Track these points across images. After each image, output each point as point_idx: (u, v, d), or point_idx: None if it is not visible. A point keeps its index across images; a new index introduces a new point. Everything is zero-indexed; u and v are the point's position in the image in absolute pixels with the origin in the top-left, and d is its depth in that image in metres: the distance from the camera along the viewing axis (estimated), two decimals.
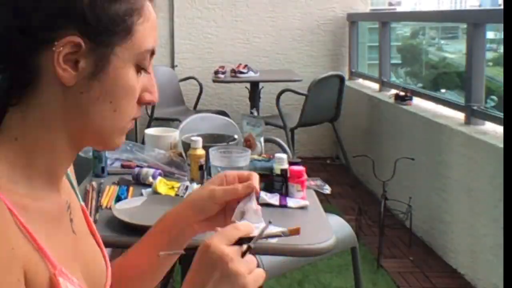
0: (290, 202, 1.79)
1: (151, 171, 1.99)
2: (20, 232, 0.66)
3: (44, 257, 0.68)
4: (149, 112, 4.86)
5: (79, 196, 0.90)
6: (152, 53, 0.77)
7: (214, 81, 4.93)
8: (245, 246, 0.76)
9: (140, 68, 0.75)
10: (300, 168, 1.87)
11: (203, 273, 0.74)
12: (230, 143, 2.18)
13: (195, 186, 1.88)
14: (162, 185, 1.88)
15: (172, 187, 1.87)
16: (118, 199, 1.82)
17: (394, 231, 3.43)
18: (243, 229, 0.76)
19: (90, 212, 1.71)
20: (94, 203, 1.80)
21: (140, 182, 1.98)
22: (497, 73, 3.69)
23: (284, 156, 1.96)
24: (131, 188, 1.92)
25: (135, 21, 0.73)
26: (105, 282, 0.86)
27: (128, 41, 0.72)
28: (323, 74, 4.52)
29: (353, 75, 5.39)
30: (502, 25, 2.78)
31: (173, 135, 2.28)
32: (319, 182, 2.04)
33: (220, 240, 0.74)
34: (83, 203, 0.91)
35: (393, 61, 5.00)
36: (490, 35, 3.52)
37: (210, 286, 0.73)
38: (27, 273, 0.66)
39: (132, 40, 0.73)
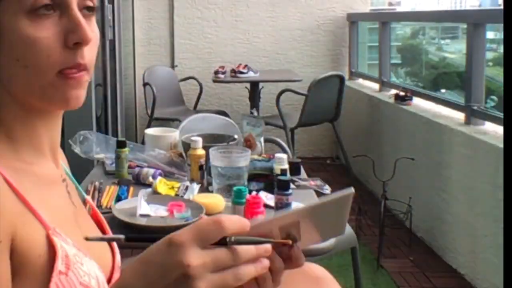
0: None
1: (151, 171, 1.99)
2: (10, 192, 0.66)
3: (37, 218, 0.68)
4: (149, 112, 4.86)
5: (81, 189, 0.90)
6: None
7: (214, 81, 4.93)
8: (224, 257, 0.61)
9: (38, 14, 0.68)
10: (257, 200, 1.62)
11: (157, 271, 0.62)
12: (230, 143, 2.18)
13: (195, 186, 1.88)
14: (162, 185, 1.88)
15: (172, 187, 1.87)
16: (118, 199, 1.82)
17: (394, 231, 3.43)
18: (230, 227, 0.62)
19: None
20: (94, 203, 1.80)
21: (140, 182, 1.98)
22: (497, 73, 3.69)
23: (284, 156, 1.97)
24: (131, 188, 1.92)
25: None
26: (111, 269, 0.84)
27: None
28: (323, 74, 4.52)
29: (353, 75, 5.39)
30: (502, 25, 2.78)
31: (173, 135, 2.28)
32: (319, 182, 2.04)
33: (190, 239, 0.61)
34: (87, 197, 0.91)
35: (393, 61, 5.00)
36: (490, 35, 3.52)
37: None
38: (19, 233, 0.66)
39: None
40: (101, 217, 0.90)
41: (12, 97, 0.72)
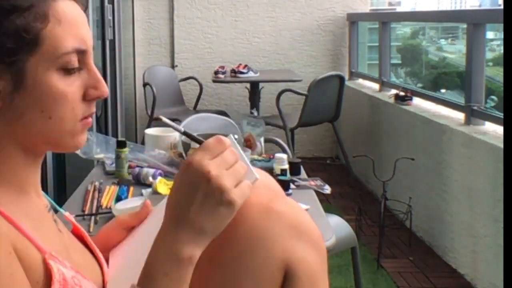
0: None
1: (151, 171, 2.00)
2: (3, 220, 0.68)
3: (32, 243, 0.70)
4: (149, 112, 4.86)
5: (59, 208, 0.92)
6: (80, 51, 0.75)
7: (214, 81, 4.93)
8: (229, 156, 0.75)
9: (68, 70, 0.74)
10: None
11: (186, 193, 0.74)
12: None
13: None
14: (162, 185, 1.88)
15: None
16: (118, 199, 1.82)
17: (394, 231, 3.43)
18: (227, 142, 0.76)
19: (91, 212, 1.71)
20: (94, 203, 1.80)
21: (140, 182, 1.98)
22: (497, 73, 3.69)
23: (284, 156, 1.97)
24: (131, 188, 1.93)
25: (41, 28, 0.71)
26: (101, 283, 0.86)
27: (40, 50, 0.71)
28: (323, 74, 4.52)
29: (353, 75, 5.39)
30: (502, 25, 2.78)
31: (173, 135, 2.28)
32: (319, 182, 2.04)
33: (202, 155, 0.74)
34: (66, 213, 0.94)
35: (393, 61, 5.00)
36: (490, 35, 3.52)
37: (196, 207, 0.73)
38: (18, 252, 0.67)
39: (44, 48, 0.72)
40: (82, 230, 0.92)
41: (16, 143, 0.74)
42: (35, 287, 0.68)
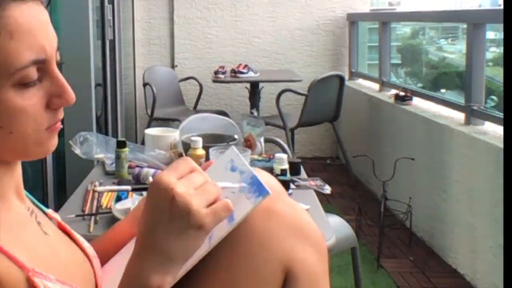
0: None
1: (151, 171, 1.99)
2: None
3: (13, 261, 0.68)
4: (149, 112, 4.86)
5: (41, 206, 0.90)
6: (39, 61, 0.69)
7: (214, 81, 4.93)
8: (197, 176, 0.70)
9: (26, 84, 0.68)
10: None
11: (153, 215, 0.70)
12: (230, 143, 2.18)
13: None
14: None
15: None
16: (118, 199, 1.82)
17: (394, 231, 3.43)
18: (194, 163, 0.73)
19: (91, 212, 1.71)
20: (94, 203, 1.80)
21: (140, 182, 1.98)
22: (497, 73, 3.69)
23: (284, 156, 1.96)
24: None
25: None
26: (94, 279, 0.85)
27: None
28: (323, 74, 4.52)
29: (353, 75, 5.39)
30: (502, 25, 2.78)
31: (173, 135, 2.28)
32: (319, 182, 2.04)
33: (168, 174, 0.70)
34: (48, 210, 0.91)
35: (393, 61, 5.00)
36: (490, 35, 3.52)
37: (162, 231, 0.69)
38: (6, 282, 0.66)
39: None
40: (67, 226, 0.90)
41: None
42: None
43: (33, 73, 0.69)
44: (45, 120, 0.72)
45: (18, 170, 0.79)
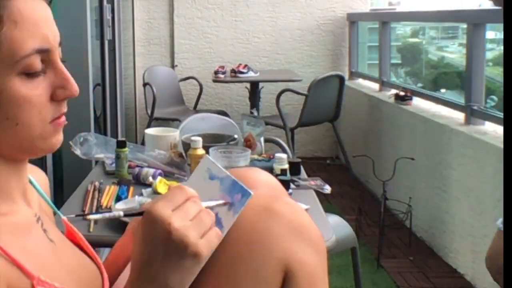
0: None
1: (151, 171, 1.99)
2: None
3: (20, 269, 0.68)
4: (149, 112, 4.86)
5: (52, 204, 0.89)
6: (43, 51, 0.71)
7: (214, 81, 4.93)
8: (192, 207, 0.71)
9: (31, 73, 0.70)
10: None
11: (149, 245, 0.70)
12: (230, 143, 2.18)
13: None
14: (162, 185, 1.88)
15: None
16: (118, 199, 1.82)
17: (394, 231, 3.43)
18: (189, 191, 0.72)
19: (91, 212, 1.71)
20: (94, 202, 1.80)
21: (140, 182, 1.98)
22: (497, 73, 3.69)
23: (284, 156, 1.96)
24: (131, 188, 1.92)
25: None
26: (102, 285, 0.85)
27: None
28: (323, 74, 4.52)
29: (353, 75, 5.39)
30: (502, 25, 2.78)
31: (173, 135, 2.28)
32: (319, 182, 2.04)
33: (163, 205, 0.70)
34: (64, 217, 0.90)
35: (393, 61, 5.00)
36: (490, 35, 3.52)
37: (158, 262, 0.69)
38: (9, 283, 0.65)
39: (1, 53, 0.68)
40: (77, 232, 0.89)
41: None
42: None
43: (37, 63, 0.70)
44: (49, 112, 0.72)
45: (25, 173, 0.79)
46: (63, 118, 0.75)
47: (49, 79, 0.72)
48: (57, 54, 0.74)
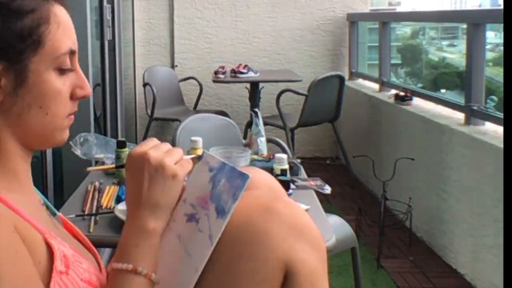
0: None
1: None
2: (3, 205, 0.73)
3: (31, 224, 0.74)
4: (149, 112, 4.86)
5: (50, 204, 0.95)
6: (72, 52, 0.81)
7: (214, 81, 4.93)
8: (163, 145, 0.87)
9: (63, 70, 0.80)
10: None
11: (135, 178, 0.85)
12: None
13: None
14: None
15: None
16: (118, 199, 1.82)
17: (394, 231, 3.43)
18: (157, 140, 0.88)
19: (91, 212, 1.71)
20: (94, 203, 1.80)
21: None
22: (497, 73, 3.69)
23: (284, 156, 1.96)
24: None
25: (43, 31, 0.78)
26: (99, 274, 0.88)
27: (41, 51, 0.78)
28: (323, 74, 4.52)
29: (353, 75, 5.39)
30: (502, 25, 2.78)
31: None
32: (319, 182, 2.04)
33: (139, 146, 0.86)
34: (59, 213, 0.97)
35: (393, 61, 5.00)
36: (490, 35, 3.52)
37: (146, 187, 0.84)
38: (19, 232, 0.71)
39: (45, 49, 0.78)
40: (74, 227, 0.96)
41: (14, 136, 0.80)
42: (37, 266, 0.72)
43: (68, 61, 0.81)
44: (69, 107, 0.83)
45: (30, 163, 0.86)
46: (73, 116, 0.85)
47: (72, 78, 0.82)
48: (77, 57, 0.84)
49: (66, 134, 0.84)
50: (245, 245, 0.83)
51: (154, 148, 0.86)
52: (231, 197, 0.84)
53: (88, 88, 0.84)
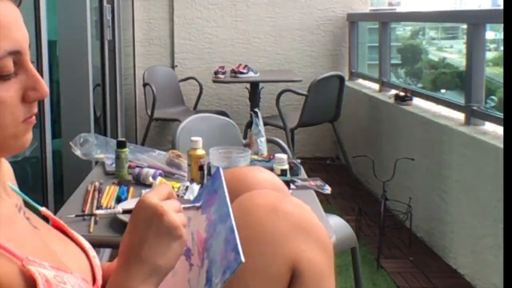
0: None
1: (151, 171, 1.99)
2: None
3: (6, 252, 0.69)
4: (149, 112, 4.86)
5: (31, 201, 0.90)
6: (14, 53, 0.72)
7: (214, 81, 4.93)
8: (175, 202, 0.79)
9: (4, 76, 0.71)
10: None
11: (141, 229, 0.76)
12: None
13: (195, 186, 1.88)
14: None
15: (172, 187, 1.87)
16: (118, 199, 1.82)
17: (394, 231, 3.43)
18: (170, 188, 0.82)
19: (91, 213, 1.71)
20: (94, 203, 1.80)
21: (140, 182, 1.98)
22: (497, 73, 3.69)
23: (284, 156, 1.96)
24: (131, 188, 1.92)
25: None
26: (92, 271, 0.86)
27: None
28: (323, 74, 4.52)
29: (353, 75, 5.39)
30: (502, 25, 2.78)
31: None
32: (319, 182, 2.04)
33: (153, 196, 0.78)
34: (42, 208, 0.92)
35: (393, 61, 5.00)
36: (490, 35, 3.52)
37: (149, 244, 0.75)
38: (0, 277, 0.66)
39: None
40: (61, 222, 0.91)
41: None
42: None
43: (9, 65, 0.71)
44: (21, 113, 0.74)
45: (3, 166, 0.81)
46: (34, 118, 0.77)
47: (21, 81, 0.73)
48: (28, 56, 0.74)
49: (26, 139, 0.76)
50: (253, 243, 0.83)
51: (168, 203, 0.77)
52: (220, 274, 0.77)
53: (43, 89, 0.74)
